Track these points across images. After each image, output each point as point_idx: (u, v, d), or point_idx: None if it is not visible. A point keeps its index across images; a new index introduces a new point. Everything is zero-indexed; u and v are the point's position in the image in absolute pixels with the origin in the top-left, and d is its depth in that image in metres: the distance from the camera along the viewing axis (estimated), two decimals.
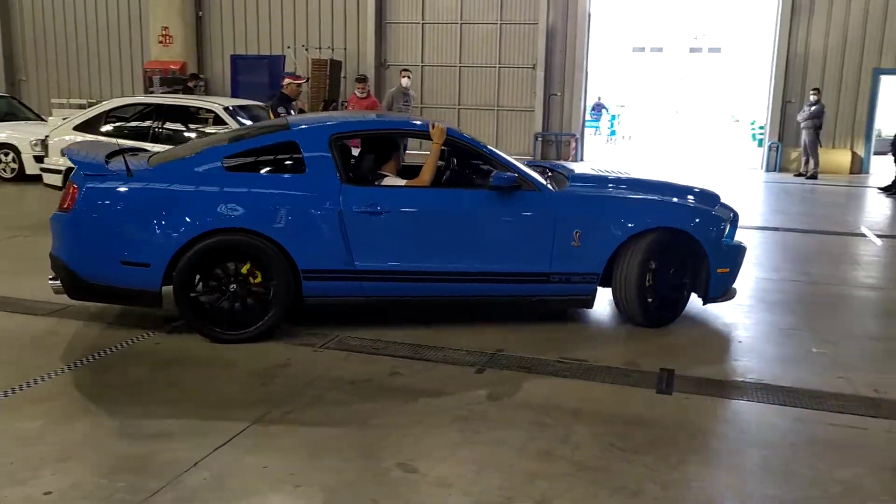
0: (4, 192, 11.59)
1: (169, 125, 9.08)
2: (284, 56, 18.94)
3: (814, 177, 15.95)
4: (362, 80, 11.28)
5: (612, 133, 29.45)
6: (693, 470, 3.51)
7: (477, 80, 19.48)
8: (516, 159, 5.67)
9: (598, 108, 28.67)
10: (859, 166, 17.09)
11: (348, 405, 4.07)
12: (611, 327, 5.56)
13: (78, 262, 4.92)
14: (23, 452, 3.45)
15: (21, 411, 3.91)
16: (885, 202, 12.92)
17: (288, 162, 5.36)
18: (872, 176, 16.45)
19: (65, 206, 4.95)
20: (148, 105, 9.49)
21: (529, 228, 5.27)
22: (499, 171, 5.21)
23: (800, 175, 16.37)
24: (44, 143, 9.85)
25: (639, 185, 6.04)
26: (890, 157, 13.99)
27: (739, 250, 5.75)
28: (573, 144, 18.68)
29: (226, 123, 8.62)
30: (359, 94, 10.93)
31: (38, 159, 10.50)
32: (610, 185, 6.00)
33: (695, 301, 5.70)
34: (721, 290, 5.59)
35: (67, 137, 8.97)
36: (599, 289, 5.41)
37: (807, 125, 15.99)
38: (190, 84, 16.71)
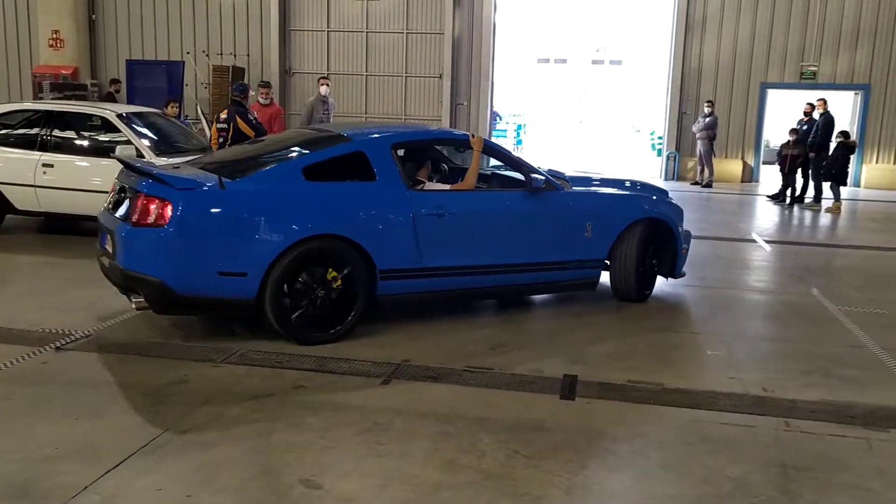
0: None
1: (58, 133, 8.64)
2: (184, 62, 18.39)
3: (709, 185, 16.65)
4: (265, 85, 11.04)
5: (519, 143, 29.96)
6: (595, 473, 3.57)
7: (384, 89, 19.45)
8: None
9: (493, 116, 29.10)
10: (750, 175, 17.97)
11: (249, 421, 3.95)
12: (516, 335, 5.61)
13: (173, 276, 4.86)
14: None
15: None
16: (773, 209, 13.60)
17: (359, 171, 5.55)
18: (762, 184, 17.32)
19: (147, 220, 4.85)
20: (36, 111, 9.00)
21: (556, 223, 6.07)
22: (534, 175, 5.96)
23: (696, 183, 17.06)
24: None
25: (619, 183, 7.18)
26: (777, 167, 14.74)
27: (689, 234, 6.99)
28: None
29: (119, 131, 8.28)
30: (262, 101, 10.69)
31: None
32: (603, 185, 6.98)
33: (600, 309, 5.83)
34: (682, 267, 6.78)
35: None
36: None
37: (702, 136, 16.69)
38: (112, 90, 15.91)
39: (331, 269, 5.12)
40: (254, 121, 8.53)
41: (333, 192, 5.35)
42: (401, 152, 5.96)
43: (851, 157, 13.65)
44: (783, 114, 19.57)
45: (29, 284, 6.85)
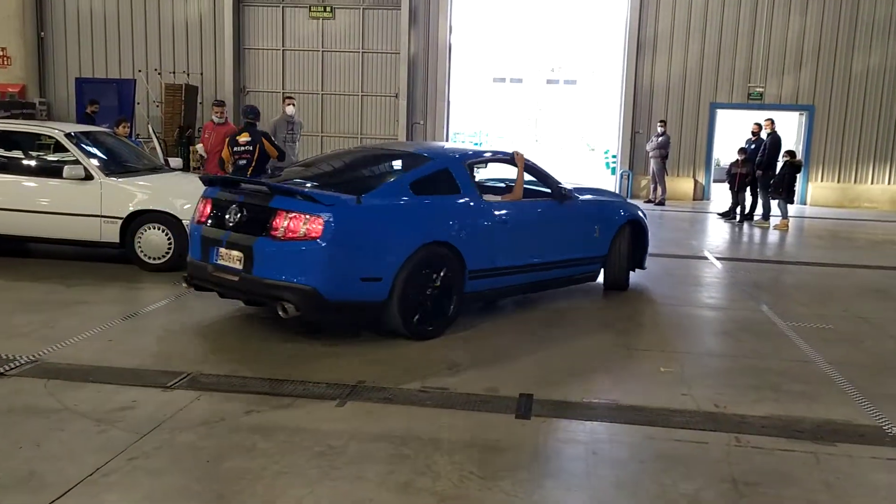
0: None
1: (3, 152, 8.44)
2: (135, 80, 18.14)
3: (661, 203, 16.93)
4: (219, 104, 10.92)
5: None
6: (550, 493, 3.57)
7: (340, 108, 19.44)
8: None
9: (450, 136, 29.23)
10: (701, 193, 18.34)
11: (200, 448, 3.87)
12: (472, 354, 5.61)
13: (325, 283, 5.32)
14: None
15: None
16: (724, 227, 13.88)
17: (447, 185, 6.25)
18: (713, 202, 17.67)
19: (295, 235, 5.31)
20: None
21: (577, 226, 7.25)
22: (562, 186, 7.13)
23: (649, 202, 17.33)
24: None
25: (605, 192, 8.48)
26: (727, 185, 15.06)
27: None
28: None
29: (67, 150, 8.11)
30: (216, 120, 10.57)
31: None
32: (589, 193, 7.89)
33: (554, 326, 5.84)
34: (646, 260, 8.10)
35: None
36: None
37: (654, 154, 17.00)
38: (89, 111, 15.43)
39: (435, 272, 5.85)
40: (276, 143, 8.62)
41: (437, 204, 6.11)
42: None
43: (798, 175, 14.01)
44: (732, 133, 20.04)
45: None
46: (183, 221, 7.82)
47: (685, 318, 7.09)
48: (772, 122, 14.23)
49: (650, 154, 17.19)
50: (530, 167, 7.05)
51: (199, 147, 10.73)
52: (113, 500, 3.32)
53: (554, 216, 6.99)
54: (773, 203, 13.86)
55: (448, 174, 6.29)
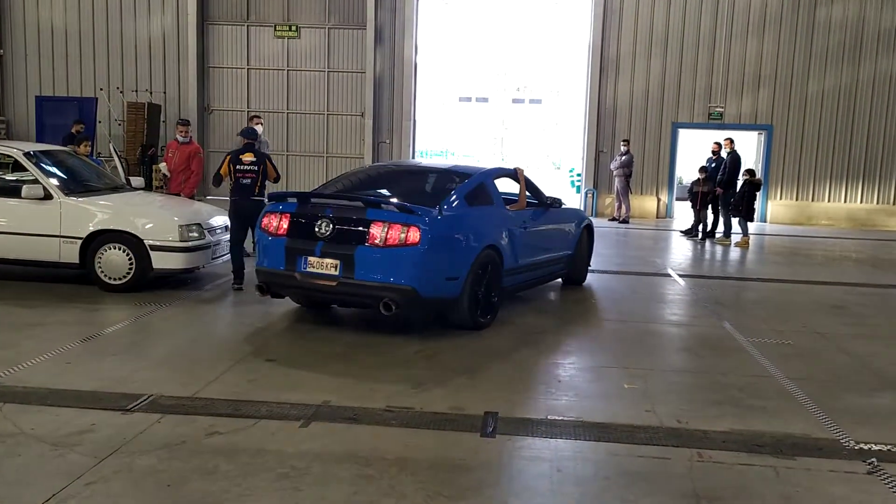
0: None
1: None
2: (97, 98, 17.94)
3: (626, 221, 17.13)
4: (184, 123, 10.84)
5: None
6: None
7: (305, 127, 19.41)
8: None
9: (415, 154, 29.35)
10: (665, 211, 18.60)
11: (161, 471, 3.80)
12: (437, 372, 5.60)
13: (422, 283, 6.21)
14: None
15: None
16: (686, 244, 14.08)
17: (486, 197, 7.28)
18: (676, 220, 17.93)
19: (395, 242, 6.14)
20: None
21: (561, 228, 8.54)
22: (550, 195, 8.47)
23: (613, 219, 17.53)
24: None
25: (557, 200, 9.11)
26: (689, 203, 15.30)
27: None
28: None
29: (26, 170, 7.98)
30: (180, 139, 10.49)
31: None
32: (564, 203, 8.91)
33: (517, 343, 5.87)
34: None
35: None
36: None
37: (618, 173, 17.22)
38: (74, 130, 15.16)
39: (486, 271, 6.78)
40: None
41: (485, 213, 7.19)
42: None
43: (757, 193, 14.28)
44: (694, 152, 20.39)
45: None
46: (144, 241, 7.73)
47: (649, 334, 7.17)
48: (731, 141, 14.50)
49: (614, 173, 17.41)
50: (526, 181, 8.12)
51: (163, 166, 10.63)
52: None
53: (546, 221, 8.16)
54: (734, 221, 14.10)
55: (484, 188, 7.34)
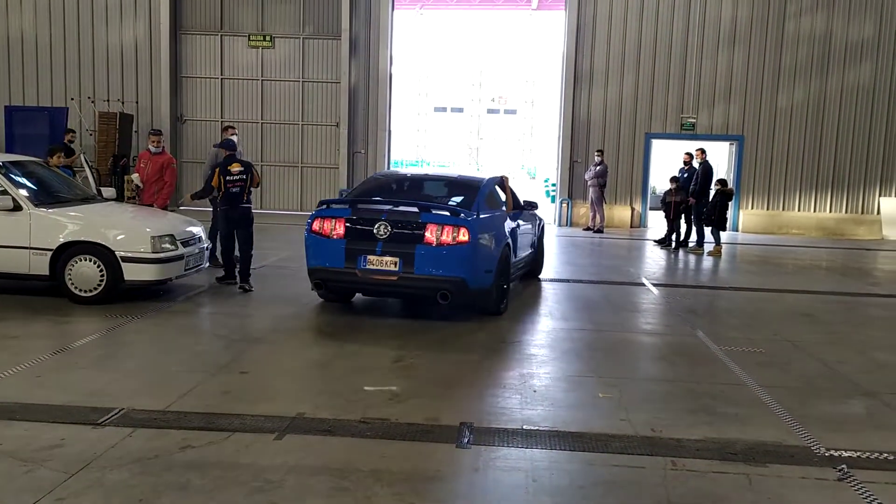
0: None
1: None
2: (68, 108, 17.73)
3: (600, 231, 17.26)
4: (156, 133, 10.72)
5: None
6: None
7: (280, 137, 19.35)
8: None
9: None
10: (638, 221, 18.76)
11: (132, 486, 3.75)
12: (412, 382, 5.59)
13: (470, 275, 7.28)
14: None
15: None
16: (660, 254, 14.20)
17: (496, 201, 8.62)
18: (650, 229, 18.09)
19: (448, 241, 7.19)
20: None
21: (532, 227, 9.84)
22: (527, 200, 9.92)
23: (588, 229, 17.65)
24: None
25: None
26: (662, 213, 15.45)
27: None
28: None
29: None
30: (152, 149, 10.37)
31: None
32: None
33: (489, 354, 5.87)
34: None
35: None
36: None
37: (593, 183, 17.35)
38: (66, 140, 15.05)
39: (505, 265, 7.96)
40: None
41: (499, 215, 8.36)
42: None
43: (729, 203, 14.45)
44: (667, 162, 20.61)
45: None
46: (116, 253, 7.64)
47: (623, 343, 7.21)
48: (703, 151, 14.67)
49: (589, 183, 17.54)
50: (509, 188, 9.16)
51: (135, 177, 10.51)
52: None
53: (524, 221, 9.28)
54: (707, 230, 14.26)
55: (493, 194, 8.61)
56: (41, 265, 7.69)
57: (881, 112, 18.06)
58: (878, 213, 18.37)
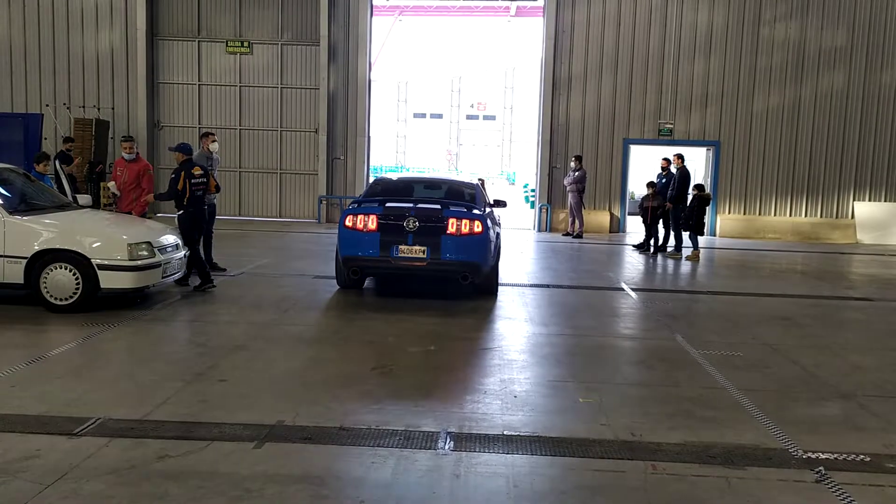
0: None
1: None
2: (42, 115, 17.54)
3: (579, 236, 17.33)
4: (128, 140, 10.62)
5: None
6: None
7: (258, 143, 19.27)
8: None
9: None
10: (617, 226, 18.88)
11: (109, 497, 3.70)
12: (391, 390, 5.57)
13: (483, 259, 8.75)
14: None
15: None
16: (638, 258, 14.29)
17: (483, 198, 10.03)
18: (629, 235, 18.20)
19: (466, 232, 8.61)
20: None
21: (497, 223, 10.27)
22: (496, 198, 11.25)
23: (567, 234, 17.72)
24: None
25: None
26: (640, 218, 15.55)
27: None
28: None
29: None
30: (126, 157, 10.28)
31: None
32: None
33: (466, 360, 5.86)
34: None
35: None
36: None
37: (572, 189, 17.43)
38: (64, 148, 14.96)
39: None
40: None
41: (491, 211, 9.88)
42: None
43: (707, 208, 14.58)
44: (645, 167, 20.76)
45: None
46: (92, 261, 7.56)
47: (603, 348, 7.24)
48: (680, 157, 14.79)
49: (567, 188, 17.62)
50: (480, 189, 10.50)
51: (112, 185, 10.41)
52: None
53: (493, 218, 10.03)
54: (685, 235, 14.37)
55: (481, 191, 10.30)
56: (16, 273, 7.59)
57: (854, 118, 18.33)
58: (853, 217, 18.63)
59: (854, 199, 18.61)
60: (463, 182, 10.92)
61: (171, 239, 8.46)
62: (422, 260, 8.56)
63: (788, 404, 5.55)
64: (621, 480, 4.08)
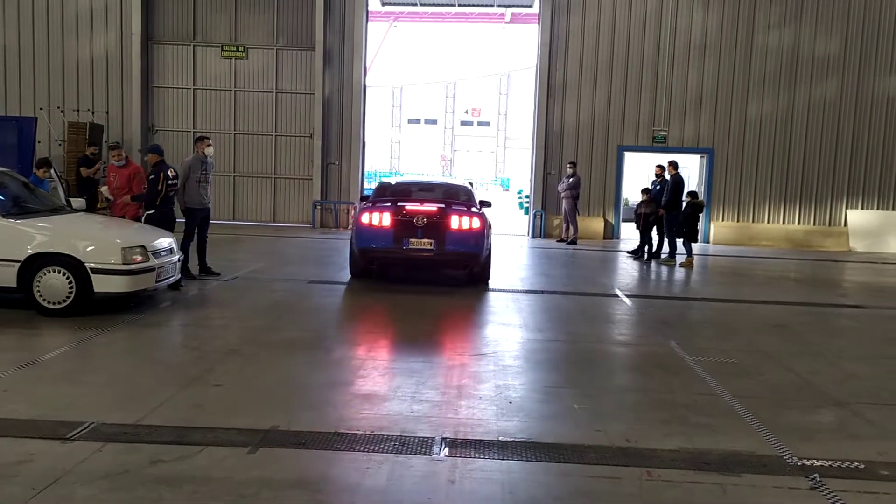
0: None
1: None
2: (36, 118, 17.48)
3: (574, 242, 17.35)
4: (115, 147, 10.58)
5: None
6: None
7: (253, 147, 19.25)
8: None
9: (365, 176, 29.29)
10: (611, 232, 18.91)
11: (102, 502, 3.67)
12: (386, 394, 5.56)
13: (481, 250, 10.08)
14: None
15: None
16: (632, 265, 14.31)
17: (475, 198, 11.19)
18: (623, 241, 18.23)
19: (465, 227, 9.92)
20: None
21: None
22: (482, 199, 11.72)
23: (561, 241, 17.74)
24: None
25: None
26: (634, 225, 15.57)
27: None
28: (352, 213, 18.90)
29: None
30: (116, 163, 10.23)
31: None
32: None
33: (462, 364, 5.86)
34: None
35: None
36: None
37: (566, 195, 17.45)
38: (88, 153, 14.96)
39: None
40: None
41: (484, 210, 10.92)
42: None
43: (700, 215, 14.61)
44: (640, 174, 20.82)
45: None
46: (85, 264, 7.52)
47: (597, 354, 7.24)
48: (674, 164, 14.81)
49: (562, 195, 17.64)
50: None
51: (104, 190, 10.39)
52: None
53: (486, 215, 10.92)
54: (678, 242, 14.40)
55: (475, 193, 11.51)
56: (9, 277, 7.55)
57: (847, 126, 18.42)
58: (846, 224, 18.70)
59: (847, 207, 18.69)
60: (459, 185, 12.32)
61: (165, 243, 8.44)
62: (429, 251, 9.86)
63: (783, 411, 5.55)
64: (616, 487, 4.08)
